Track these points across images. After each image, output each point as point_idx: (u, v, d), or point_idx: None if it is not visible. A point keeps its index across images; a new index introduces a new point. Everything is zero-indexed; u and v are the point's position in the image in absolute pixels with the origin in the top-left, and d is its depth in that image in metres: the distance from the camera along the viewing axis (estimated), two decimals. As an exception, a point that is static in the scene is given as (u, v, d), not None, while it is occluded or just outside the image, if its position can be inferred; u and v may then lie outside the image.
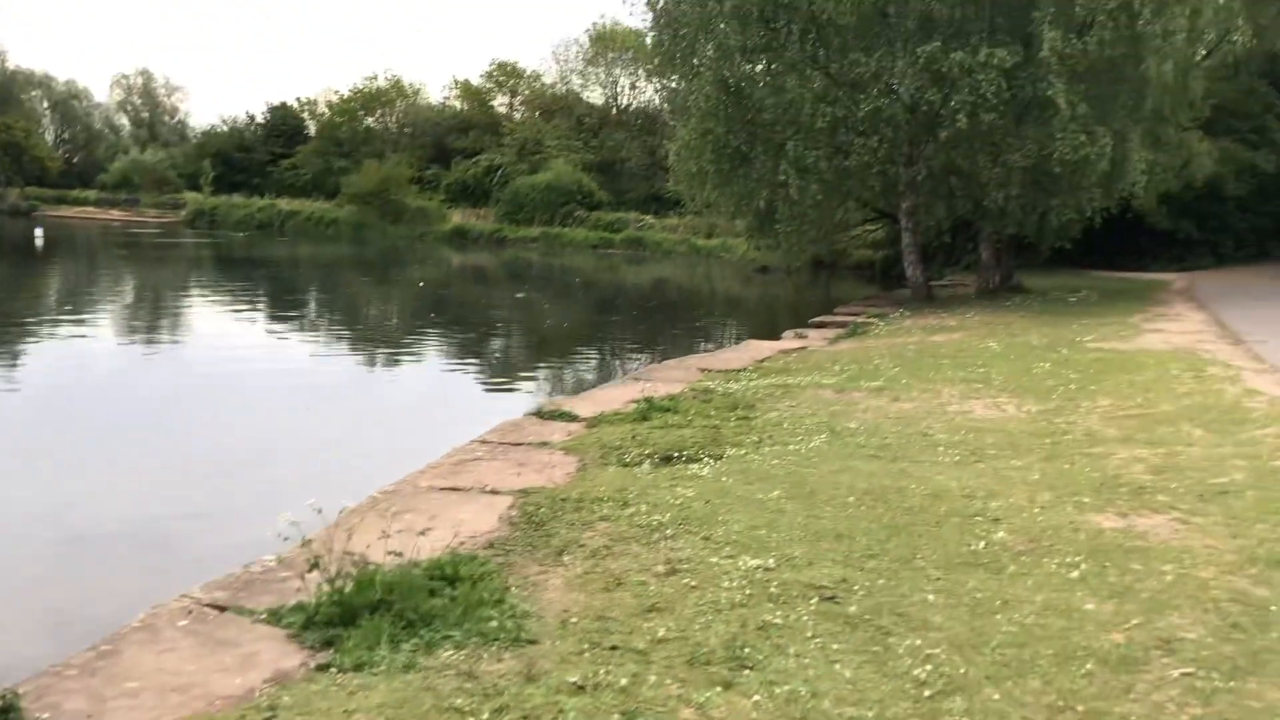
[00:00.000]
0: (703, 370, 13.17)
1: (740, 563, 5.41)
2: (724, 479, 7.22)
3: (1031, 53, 19.00)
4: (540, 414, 9.89)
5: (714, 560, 5.48)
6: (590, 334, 22.45)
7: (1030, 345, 14.41)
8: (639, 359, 18.15)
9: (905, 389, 11.26)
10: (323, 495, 5.39)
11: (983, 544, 5.63)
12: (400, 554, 5.46)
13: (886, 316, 19.69)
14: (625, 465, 7.90)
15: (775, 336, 17.98)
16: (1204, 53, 36.09)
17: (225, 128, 76.23)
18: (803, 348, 15.78)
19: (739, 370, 13.16)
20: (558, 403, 10.48)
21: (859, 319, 19.38)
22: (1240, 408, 9.19)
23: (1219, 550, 5.23)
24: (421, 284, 33.27)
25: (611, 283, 37.48)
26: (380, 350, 19.21)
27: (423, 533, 5.77)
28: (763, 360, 14.28)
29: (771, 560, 5.42)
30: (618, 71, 64.30)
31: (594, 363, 18.23)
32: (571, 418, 9.68)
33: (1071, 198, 20.37)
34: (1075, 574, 5.04)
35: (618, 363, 18.04)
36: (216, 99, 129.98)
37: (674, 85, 23.72)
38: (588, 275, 39.99)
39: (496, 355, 19.21)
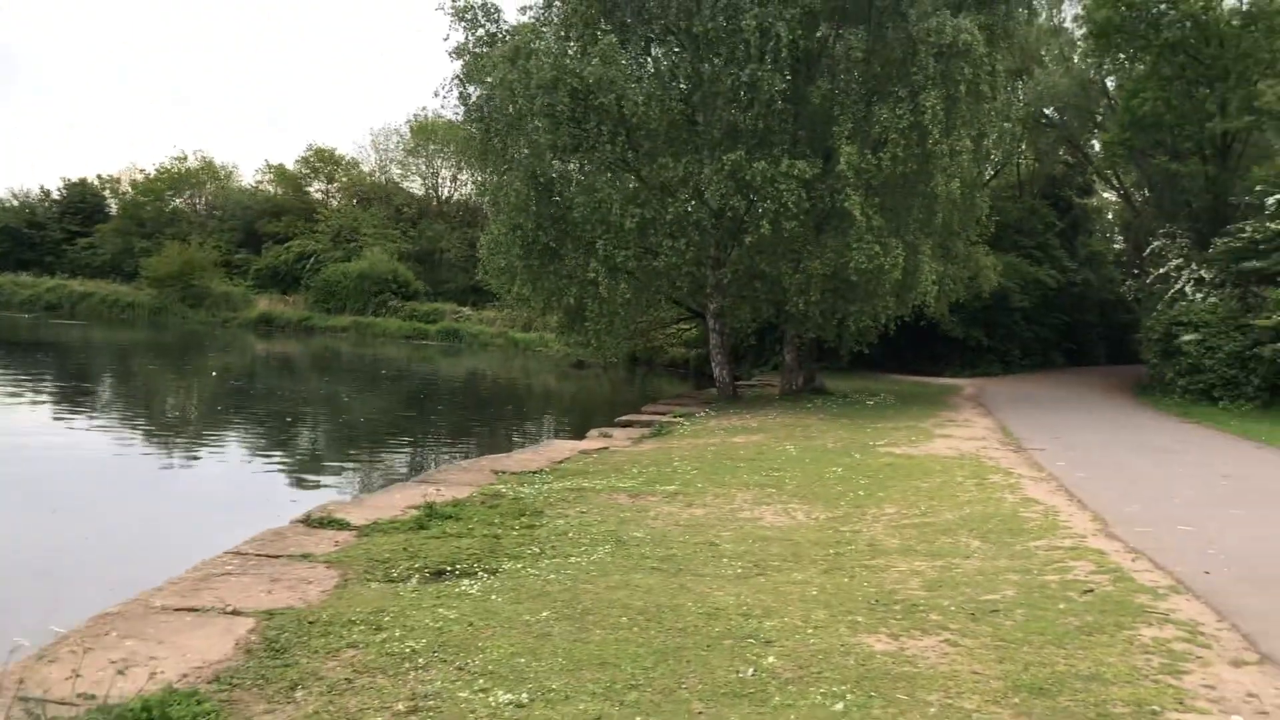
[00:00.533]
0: (496, 472, 12.67)
1: (492, 698, 4.93)
2: (493, 597, 6.73)
3: (831, 165, 19.77)
4: (308, 521, 9.15)
5: (463, 695, 4.97)
6: (388, 429, 21.56)
7: (825, 449, 14.58)
8: (437, 457, 17.46)
9: (700, 494, 11.08)
10: (45, 615, 4.64)
11: (751, 670, 5.34)
12: (94, 696, 4.73)
13: (692, 416, 19.72)
14: (390, 581, 7.31)
15: (585, 434, 17.69)
16: (991, 173, 38.81)
17: (15, 202, 71.58)
18: (605, 448, 15.50)
19: (534, 472, 12.73)
20: (329, 509, 9.74)
21: (665, 418, 19.32)
22: (1017, 517, 9.36)
23: (984, 677, 5.09)
24: (215, 373, 31.51)
25: (422, 374, 36.55)
26: (156, 444, 17.81)
27: (124, 671, 5.03)
28: (561, 461, 13.90)
29: (526, 694, 4.96)
30: (438, 163, 64.04)
31: (386, 461, 17.36)
32: (342, 525, 9.00)
33: (868, 305, 21.11)
34: (840, 706, 4.78)
35: (411, 462, 17.24)
36: (8, 172, 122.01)
37: (487, 179, 23.55)
38: (398, 366, 38.92)
39: (280, 452, 18.05)
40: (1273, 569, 7.28)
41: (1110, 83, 35.78)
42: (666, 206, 20.30)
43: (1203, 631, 5.64)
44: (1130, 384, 30.74)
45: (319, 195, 66.43)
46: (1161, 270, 28.01)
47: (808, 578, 7.33)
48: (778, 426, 17.72)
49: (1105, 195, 46.93)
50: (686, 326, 36.34)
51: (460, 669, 5.35)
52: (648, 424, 18.82)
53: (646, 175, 21.10)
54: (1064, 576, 6.93)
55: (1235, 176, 28.09)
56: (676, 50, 21.98)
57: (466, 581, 7.23)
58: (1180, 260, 27.68)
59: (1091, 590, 6.48)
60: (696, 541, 8.70)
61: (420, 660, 5.48)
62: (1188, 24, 26.32)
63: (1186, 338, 24.52)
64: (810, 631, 5.96)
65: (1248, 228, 24.31)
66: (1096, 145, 37.44)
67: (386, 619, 6.18)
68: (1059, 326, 39.76)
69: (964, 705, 4.73)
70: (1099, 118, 37.21)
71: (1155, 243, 29.17)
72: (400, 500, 10.39)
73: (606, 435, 17.23)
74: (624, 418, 20.21)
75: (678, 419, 19.22)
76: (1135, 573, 7.05)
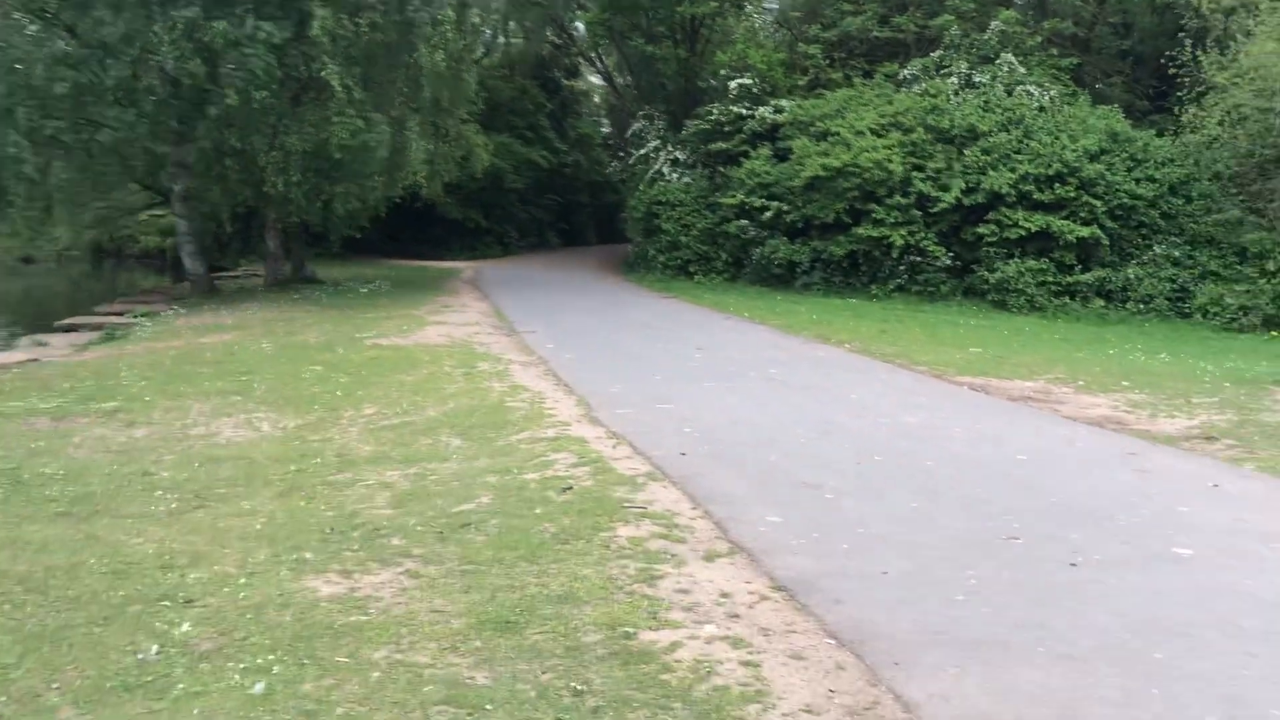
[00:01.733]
0: None
1: None
2: None
3: (305, 30, 17.80)
4: None
5: None
6: None
7: (306, 345, 13.23)
8: None
9: (146, 409, 9.33)
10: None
11: (156, 648, 4.12)
12: None
13: (157, 315, 17.25)
14: None
15: (13, 345, 14.69)
16: (482, 50, 38.20)
17: None
18: (34, 359, 12.88)
19: (-77, 399, 10.08)
20: None
21: (122, 320, 16.70)
22: (503, 408, 8.80)
23: (445, 615, 4.30)
24: None
25: None
26: None
27: None
28: (-33, 381, 11.23)
29: None
30: None
31: None
32: None
33: (355, 185, 19.67)
34: (260, 686, 3.74)
35: None
36: None
37: None
38: None
39: None
40: (740, 445, 7.31)
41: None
42: (108, 70, 17.18)
43: (678, 524, 5.32)
44: (619, 263, 32.28)
45: None
46: (641, 152, 29.32)
47: (256, 506, 6.15)
48: (257, 322, 15.96)
49: (592, 79, 48.59)
50: (160, 213, 32.34)
51: None
52: (98, 327, 16.13)
53: (81, 31, 17.69)
54: (544, 474, 6.39)
55: (703, 61, 29.94)
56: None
57: None
58: (658, 142, 29.12)
59: (570, 487, 5.98)
60: (127, 472, 7.13)
61: None
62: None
63: (664, 216, 25.94)
64: (244, 581, 4.82)
65: (714, 110, 25.98)
66: (581, 27, 38.20)
67: None
68: (553, 207, 40.87)
69: (416, 659, 3.89)
70: (583, -1, 37.99)
71: (635, 125, 30.43)
72: None
73: (41, 344, 14.45)
74: (68, 321, 17.20)
75: (138, 319, 16.69)
76: (615, 460, 6.70)
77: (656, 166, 28.09)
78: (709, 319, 17.10)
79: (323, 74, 17.44)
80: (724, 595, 4.40)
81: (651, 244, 27.01)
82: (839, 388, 10.04)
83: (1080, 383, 10.92)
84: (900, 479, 6.31)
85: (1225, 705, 3.51)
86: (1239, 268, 18.88)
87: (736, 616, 4.21)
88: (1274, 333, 17.44)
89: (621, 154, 34.42)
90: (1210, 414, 9.12)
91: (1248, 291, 18.24)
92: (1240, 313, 18.06)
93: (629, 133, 30.38)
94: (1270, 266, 18.33)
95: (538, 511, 5.52)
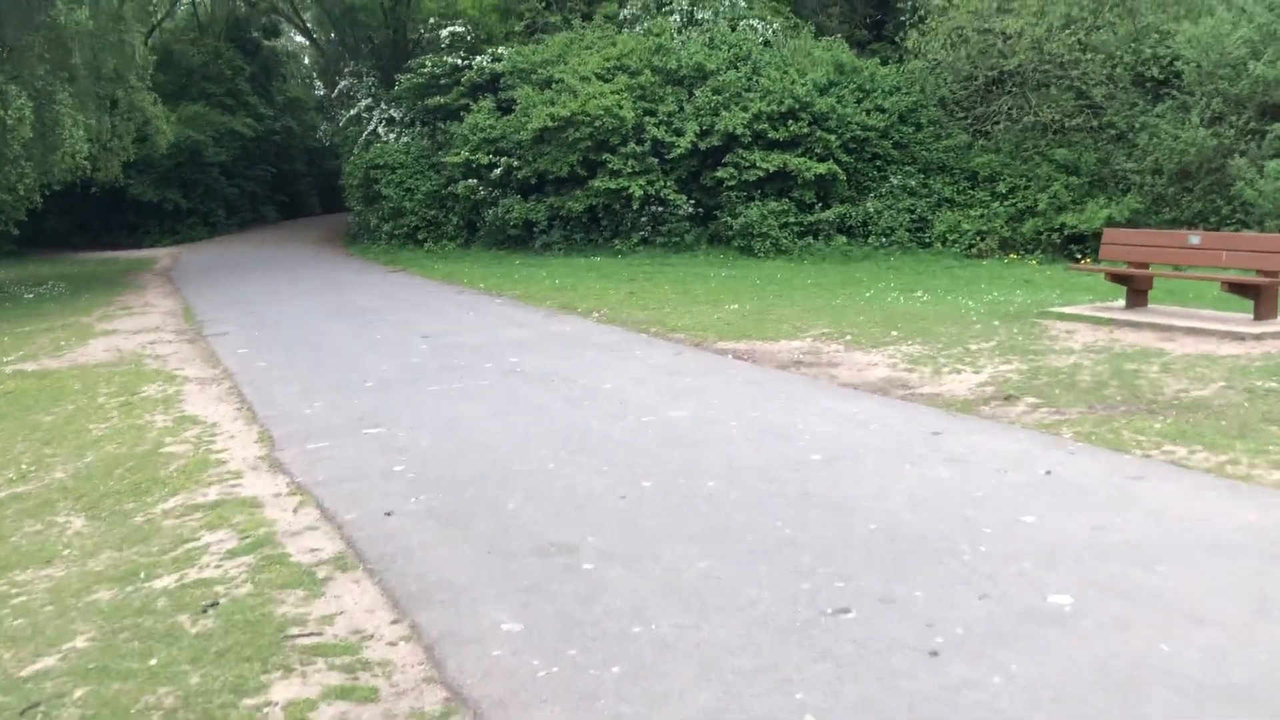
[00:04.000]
0: None
1: None
2: None
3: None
4: None
5: None
6: None
7: (-83, 383, 10.38)
8: None
9: None
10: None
11: None
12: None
13: None
14: None
15: None
16: (162, 12, 33.99)
17: None
18: None
19: None
20: None
21: None
22: (157, 457, 6.69)
23: None
24: None
25: None
26: None
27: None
28: None
29: None
30: None
31: None
32: None
33: (-5, 173, 16.34)
34: None
35: None
36: None
37: None
38: None
39: None
40: (469, 485, 5.62)
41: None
42: None
43: (369, 661, 3.53)
44: (341, 234, 29.59)
45: None
46: (353, 112, 26.69)
47: None
48: None
49: (297, 38, 44.73)
50: None
51: None
52: None
53: None
54: (184, 576, 4.47)
55: (411, 10, 27.50)
56: None
57: None
58: (370, 100, 26.58)
59: (214, 604, 4.10)
60: None
61: None
62: None
63: (384, 181, 23.60)
64: None
65: (428, 63, 23.76)
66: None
67: None
68: (266, 179, 37.25)
69: None
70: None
71: (342, 83, 27.67)
72: None
73: None
74: None
75: None
76: (292, 537, 4.86)
77: (371, 127, 25.61)
78: (440, 295, 15.21)
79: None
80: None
81: (373, 212, 24.64)
82: (592, 374, 8.51)
83: (848, 337, 9.90)
84: (679, 517, 4.82)
85: None
86: (972, 192, 18.78)
87: None
88: (1012, 255, 17.39)
89: (332, 116, 31.49)
90: (996, 363, 8.23)
91: (982, 216, 18.14)
92: (977, 238, 17.94)
93: (334, 92, 27.57)
94: (1001, 189, 18.29)
95: (153, 663, 3.62)
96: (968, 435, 6.09)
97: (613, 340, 10.41)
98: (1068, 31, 17.52)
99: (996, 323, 10.25)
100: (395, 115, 25.29)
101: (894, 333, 9.97)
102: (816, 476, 5.35)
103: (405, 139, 24.53)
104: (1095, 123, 17.64)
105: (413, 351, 10.16)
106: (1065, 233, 16.97)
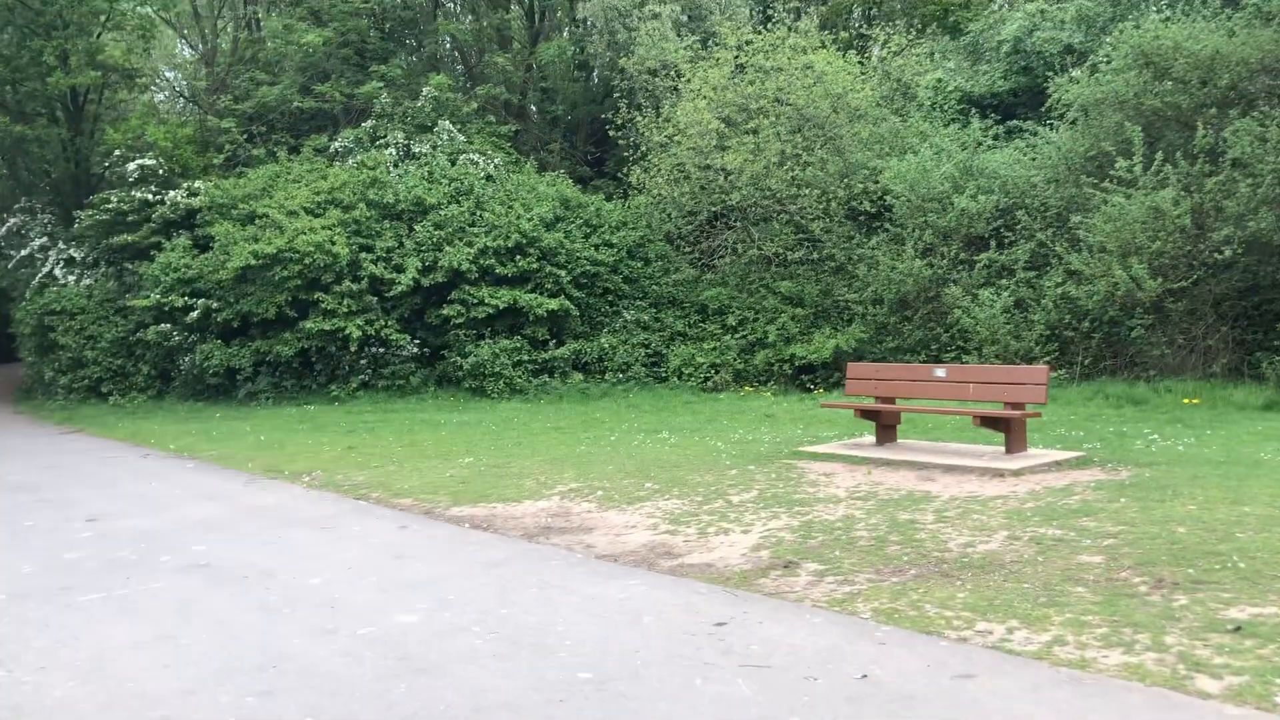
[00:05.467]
0: None
1: None
2: None
3: None
4: None
5: None
6: None
7: None
8: None
9: None
10: None
11: None
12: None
13: None
14: None
15: None
16: None
17: None
18: None
19: None
20: None
21: None
22: None
23: None
24: None
25: None
26: None
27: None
28: None
29: None
30: None
31: None
32: None
33: None
34: None
35: None
36: None
37: None
38: None
39: None
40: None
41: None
42: None
43: None
44: (13, 390, 25.98)
45: None
46: (25, 252, 23.66)
47: None
48: None
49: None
50: None
51: None
52: None
53: None
54: None
55: (95, 141, 25.00)
56: None
57: None
58: (46, 239, 23.70)
59: None
60: None
61: None
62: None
63: (62, 328, 20.82)
64: None
65: (113, 198, 21.43)
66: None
67: None
68: None
69: None
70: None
71: (11, 220, 24.58)
72: None
73: None
74: None
75: None
76: None
77: (47, 269, 22.73)
78: (119, 461, 13.00)
79: None
80: None
81: (49, 364, 21.68)
82: (297, 565, 6.98)
83: (599, 493, 8.89)
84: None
85: None
86: (703, 325, 18.64)
87: None
88: (747, 387, 17.21)
89: (3, 256, 27.95)
90: (764, 519, 7.42)
91: (714, 349, 17.95)
92: (712, 371, 17.70)
93: (2, 230, 24.41)
94: (731, 321, 18.23)
95: None
96: (758, 625, 5.12)
97: (325, 513, 8.87)
98: (785, 168, 17.91)
99: (752, 467, 9.57)
100: (75, 255, 22.59)
101: (648, 484, 9.05)
102: (590, 712, 4.16)
103: (87, 281, 21.89)
104: (816, 255, 17.99)
105: (70, 543, 8.17)
106: (796, 363, 17.00)
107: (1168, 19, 15.02)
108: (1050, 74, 17.83)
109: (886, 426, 10.12)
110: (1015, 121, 18.25)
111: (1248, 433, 10.28)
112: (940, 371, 9.75)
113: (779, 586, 5.82)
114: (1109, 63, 15.40)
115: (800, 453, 10.15)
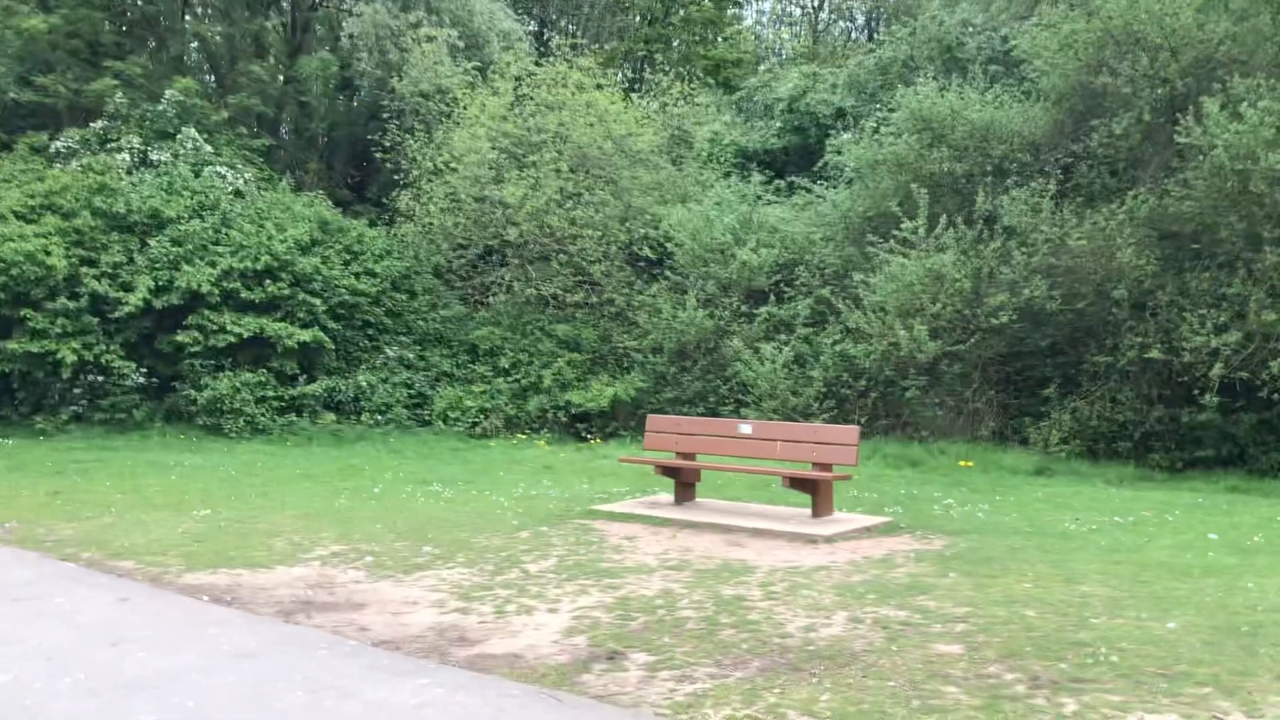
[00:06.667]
0: None
1: None
2: None
3: None
4: None
5: None
6: None
7: None
8: None
9: None
10: None
11: None
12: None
13: None
14: None
15: None
16: None
17: None
18: None
19: None
20: None
21: None
22: None
23: None
24: None
25: None
26: None
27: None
28: None
29: None
30: None
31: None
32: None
33: None
34: None
35: None
36: None
37: None
38: None
39: None
40: None
41: None
42: None
43: None
44: None
45: None
46: None
47: None
48: None
49: None
50: None
51: None
52: None
53: None
54: None
55: None
56: None
57: None
58: None
59: None
60: None
61: None
62: None
63: None
64: None
65: None
66: None
67: None
68: None
69: None
70: None
71: None
72: None
73: None
74: None
75: None
76: None
77: None
78: None
79: None
80: None
81: None
82: (-26, 656, 5.36)
83: (369, 558, 7.64)
84: None
85: None
86: (473, 367, 17.51)
87: None
88: (520, 435, 16.22)
89: None
90: (571, 594, 6.47)
91: (485, 392, 16.87)
92: (481, 415, 16.59)
93: None
94: (503, 364, 17.22)
95: None
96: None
97: (21, 578, 7.12)
98: (566, 207, 17.18)
99: (544, 528, 8.59)
100: None
101: (426, 548, 7.88)
102: None
103: None
104: (595, 299, 17.32)
105: None
106: (572, 411, 16.20)
107: (943, 89, 15.46)
108: (823, 135, 18.10)
109: (686, 484, 9.42)
110: (794, 178, 18.38)
111: (1035, 500, 10.31)
112: (746, 428, 9.16)
113: (607, 685, 4.87)
114: (888, 125, 15.68)
115: (595, 511, 9.27)
